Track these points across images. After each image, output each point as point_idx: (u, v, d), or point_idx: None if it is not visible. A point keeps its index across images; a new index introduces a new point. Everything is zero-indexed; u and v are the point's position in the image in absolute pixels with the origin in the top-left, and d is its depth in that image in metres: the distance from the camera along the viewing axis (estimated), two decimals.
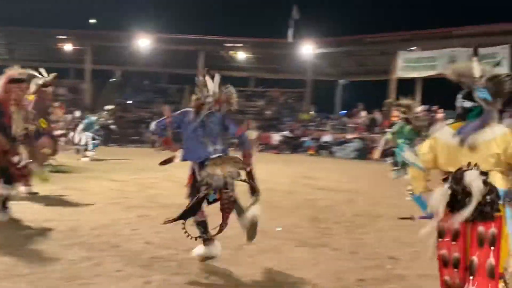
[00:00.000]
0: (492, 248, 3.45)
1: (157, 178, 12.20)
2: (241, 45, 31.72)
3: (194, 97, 5.47)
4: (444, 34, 25.58)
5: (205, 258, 5.26)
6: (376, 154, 22.33)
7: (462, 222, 3.46)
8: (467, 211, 3.38)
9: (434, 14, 34.90)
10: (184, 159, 5.38)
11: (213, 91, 5.35)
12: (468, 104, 3.66)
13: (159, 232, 6.57)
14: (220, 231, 5.15)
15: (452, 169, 3.56)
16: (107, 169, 13.72)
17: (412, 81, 28.39)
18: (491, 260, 3.44)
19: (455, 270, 3.55)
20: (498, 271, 3.47)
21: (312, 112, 31.17)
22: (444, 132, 3.70)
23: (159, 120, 5.56)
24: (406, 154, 3.85)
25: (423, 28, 27.23)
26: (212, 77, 5.47)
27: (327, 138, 25.55)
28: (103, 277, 4.71)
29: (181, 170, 14.10)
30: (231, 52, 33.01)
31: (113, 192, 9.85)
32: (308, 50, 29.46)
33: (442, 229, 3.59)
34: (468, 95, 3.68)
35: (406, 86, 28.14)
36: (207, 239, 5.26)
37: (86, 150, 16.72)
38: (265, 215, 7.86)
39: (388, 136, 11.18)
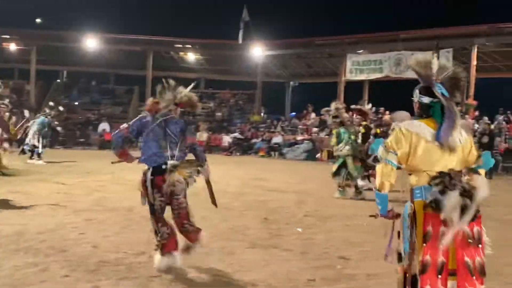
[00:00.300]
0: (480, 246, 3.53)
1: (104, 181, 12.00)
2: (190, 46, 31.52)
3: (152, 100, 5.38)
4: (390, 37, 26.14)
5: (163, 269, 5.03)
6: (324, 155, 22.78)
7: (447, 225, 3.46)
8: (469, 216, 3.41)
9: (381, 18, 35.69)
10: (141, 161, 5.24)
11: (174, 95, 5.27)
12: (426, 99, 3.71)
13: (106, 236, 6.46)
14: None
15: (427, 169, 3.59)
16: (53, 172, 13.37)
17: (360, 83, 28.93)
18: (479, 259, 3.51)
19: (439, 276, 3.52)
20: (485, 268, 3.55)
21: (262, 114, 31.31)
22: (423, 130, 3.66)
23: (116, 132, 5.38)
24: (380, 150, 3.69)
25: (370, 31, 27.80)
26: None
27: (277, 139, 25.69)
28: (50, 283, 4.57)
29: (128, 172, 13.95)
30: (180, 53, 32.77)
31: (59, 195, 9.59)
32: (258, 52, 29.56)
33: (427, 233, 3.55)
34: (425, 90, 3.72)
35: (354, 88, 28.69)
36: (163, 249, 5.11)
37: (39, 153, 16.26)
38: (216, 216, 7.89)
39: (332, 142, 11.34)
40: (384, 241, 6.60)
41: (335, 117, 11.04)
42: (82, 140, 27.34)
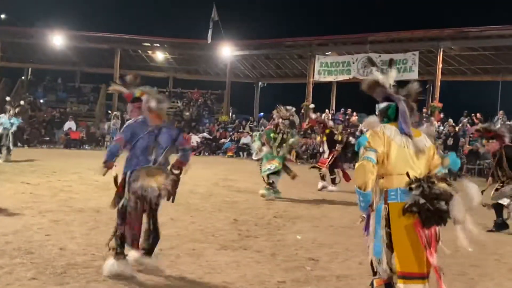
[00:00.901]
0: (439, 243, 3.75)
1: (70, 181, 11.80)
2: (159, 45, 31.27)
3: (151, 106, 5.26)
4: (358, 39, 26.47)
5: (114, 274, 4.88)
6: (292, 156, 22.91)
7: (427, 227, 3.65)
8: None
9: (350, 20, 36.03)
10: (125, 171, 5.13)
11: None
12: (383, 105, 4.02)
13: (73, 238, 6.35)
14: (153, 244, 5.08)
15: (399, 172, 3.76)
16: (17, 172, 13.09)
17: (327, 84, 29.17)
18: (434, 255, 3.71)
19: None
20: None
21: (230, 114, 31.29)
22: (394, 133, 3.84)
23: (113, 146, 5.19)
24: (363, 148, 3.81)
25: (339, 33, 28.06)
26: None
27: (246, 140, 25.66)
28: (16, 286, 4.47)
29: (94, 172, 13.76)
30: (149, 52, 32.49)
31: (24, 196, 9.38)
32: (227, 52, 29.51)
33: (426, 238, 3.68)
34: (382, 99, 4.05)
35: (322, 90, 28.93)
36: (119, 254, 5.00)
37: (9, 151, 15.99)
38: (185, 218, 7.85)
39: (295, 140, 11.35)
40: (352, 241, 6.72)
41: (286, 119, 11.05)
42: (47, 138, 26.85)
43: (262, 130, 10.98)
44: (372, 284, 4.00)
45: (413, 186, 3.64)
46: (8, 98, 19.17)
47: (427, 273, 3.69)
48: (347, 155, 13.44)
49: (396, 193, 3.73)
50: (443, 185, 3.68)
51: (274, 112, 11.36)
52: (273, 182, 10.68)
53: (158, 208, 5.07)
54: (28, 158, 16.54)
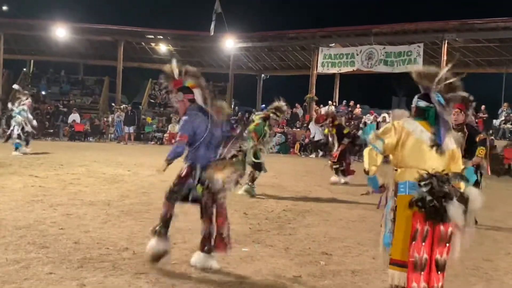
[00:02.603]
0: (447, 245, 3.78)
1: (78, 174, 11.82)
2: (162, 37, 31.18)
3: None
4: (362, 31, 26.36)
5: (157, 254, 5.05)
6: (296, 148, 22.94)
7: (430, 223, 3.72)
8: (470, 219, 3.80)
9: (353, 12, 35.94)
10: (191, 163, 5.09)
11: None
12: (422, 103, 4.02)
13: (87, 232, 6.37)
14: (223, 241, 5.13)
15: (413, 165, 3.85)
16: (25, 164, 13.09)
17: (331, 76, 29.11)
18: (445, 256, 3.78)
19: (422, 273, 3.72)
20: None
21: (233, 106, 31.26)
22: (416, 128, 3.94)
23: (178, 146, 4.99)
24: (370, 136, 3.98)
25: (343, 25, 27.97)
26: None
27: None
28: (34, 281, 4.48)
29: (101, 165, 13.81)
30: (152, 44, 32.41)
31: (34, 189, 9.39)
32: (230, 44, 29.44)
33: (416, 231, 3.75)
34: (423, 95, 4.04)
35: (325, 82, 28.90)
36: (160, 234, 5.10)
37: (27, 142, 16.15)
38: (195, 211, 7.84)
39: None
40: (363, 236, 6.75)
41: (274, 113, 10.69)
42: (51, 131, 26.88)
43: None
44: None
45: (422, 183, 3.72)
46: (16, 87, 19.19)
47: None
48: (355, 147, 13.44)
49: (405, 186, 3.85)
50: (457, 188, 3.80)
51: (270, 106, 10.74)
52: (255, 179, 10.28)
53: (223, 207, 5.16)
54: (34, 151, 16.53)
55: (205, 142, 5.04)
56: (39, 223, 6.65)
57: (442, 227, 3.74)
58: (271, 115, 10.44)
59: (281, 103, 10.66)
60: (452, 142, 3.97)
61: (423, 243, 3.72)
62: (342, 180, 12.68)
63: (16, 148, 15.91)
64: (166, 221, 5.17)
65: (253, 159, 9.97)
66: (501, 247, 6.68)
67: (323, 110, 26.45)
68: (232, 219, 7.60)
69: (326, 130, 13.56)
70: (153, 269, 4.97)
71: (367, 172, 4.03)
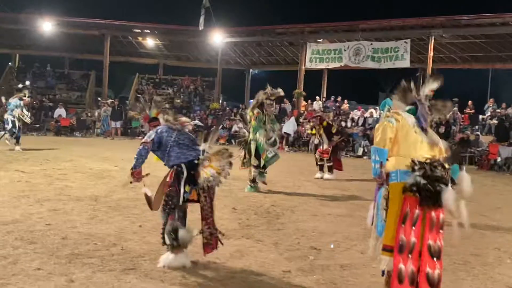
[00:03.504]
0: (441, 232, 3.86)
1: (64, 169, 11.73)
2: (149, 31, 30.98)
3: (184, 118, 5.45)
4: (350, 27, 26.41)
5: (174, 267, 4.92)
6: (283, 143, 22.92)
7: (421, 208, 3.80)
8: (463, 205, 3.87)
9: (341, 8, 35.98)
10: (172, 165, 5.10)
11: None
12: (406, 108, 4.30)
13: (74, 227, 6.33)
14: (214, 238, 5.10)
15: (406, 153, 3.99)
16: (11, 159, 12.98)
17: (319, 72, 29.15)
18: (439, 243, 3.84)
19: (410, 256, 3.79)
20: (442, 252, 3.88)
21: (221, 101, 31.21)
22: (410, 119, 4.14)
23: (142, 148, 5.08)
24: (386, 111, 4.34)
25: (330, 20, 27.98)
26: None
27: (237, 127, 25.61)
28: (22, 276, 4.44)
29: (88, 160, 13.71)
30: (139, 38, 32.21)
31: (20, 184, 9.31)
32: (218, 38, 29.34)
33: (406, 215, 3.84)
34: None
35: (313, 77, 28.93)
36: (176, 247, 4.97)
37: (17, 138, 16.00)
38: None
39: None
40: (351, 230, 6.78)
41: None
42: (37, 125, 26.62)
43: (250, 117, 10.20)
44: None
45: (416, 167, 3.83)
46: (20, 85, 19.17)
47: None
48: (343, 143, 13.50)
49: (396, 174, 3.96)
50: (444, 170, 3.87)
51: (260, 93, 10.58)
52: (254, 178, 10.25)
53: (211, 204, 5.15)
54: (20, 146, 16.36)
55: (175, 143, 5.12)
56: (26, 219, 6.60)
57: (433, 213, 3.82)
58: (264, 100, 10.32)
59: (269, 88, 10.52)
60: (439, 139, 4.14)
61: (413, 227, 3.79)
62: (326, 176, 12.70)
63: (17, 140, 15.90)
64: (171, 232, 5.00)
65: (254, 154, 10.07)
66: (489, 242, 6.73)
67: (315, 105, 26.47)
68: (221, 214, 7.63)
69: (313, 131, 13.50)
70: (142, 265, 4.95)
71: (380, 144, 4.07)
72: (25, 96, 16.56)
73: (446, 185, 3.77)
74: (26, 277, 4.43)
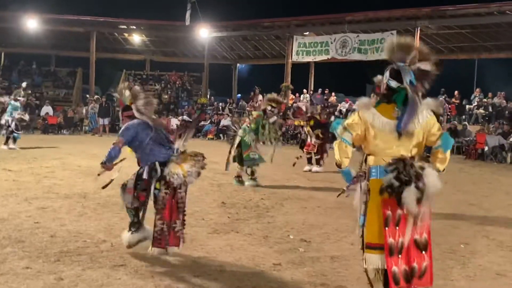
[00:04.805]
0: (423, 224, 3.78)
1: (52, 167, 11.66)
2: (135, 27, 30.81)
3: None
4: (336, 19, 26.40)
5: (136, 243, 5.16)
6: None
7: (402, 206, 3.70)
8: (425, 202, 3.68)
9: (327, 0, 35.93)
10: (146, 163, 5.17)
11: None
12: (394, 83, 3.87)
13: (63, 225, 6.29)
14: (175, 235, 5.12)
15: (379, 153, 3.86)
16: None
17: (306, 65, 29.15)
18: (425, 235, 3.80)
19: (399, 256, 3.74)
20: (429, 243, 3.82)
21: (209, 96, 31.13)
22: (375, 119, 3.87)
23: (113, 148, 5.14)
24: (339, 129, 3.95)
25: (317, 13, 27.96)
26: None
27: (226, 122, 25.58)
28: (10, 276, 4.40)
29: (76, 158, 13.63)
30: (125, 34, 32.02)
31: (8, 183, 9.23)
32: (204, 33, 29.24)
33: (388, 217, 3.76)
34: (395, 74, 3.88)
35: (300, 70, 28.92)
36: (136, 224, 5.19)
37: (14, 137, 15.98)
38: None
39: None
40: (340, 222, 6.80)
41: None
42: (23, 124, 26.34)
43: (246, 116, 10.32)
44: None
45: (388, 168, 3.72)
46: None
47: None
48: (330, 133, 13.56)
49: (376, 170, 3.87)
50: (420, 166, 3.75)
51: (265, 99, 10.67)
52: (253, 172, 10.30)
53: (183, 201, 5.19)
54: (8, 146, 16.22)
55: (152, 142, 5.16)
56: (14, 217, 6.54)
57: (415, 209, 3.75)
58: (267, 108, 10.40)
59: (273, 95, 10.82)
60: (423, 115, 3.82)
61: (397, 227, 3.74)
62: (314, 168, 12.77)
63: (15, 140, 15.93)
64: (133, 209, 5.21)
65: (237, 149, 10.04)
66: (477, 230, 6.78)
67: (302, 104, 26.38)
68: (210, 208, 7.65)
69: (301, 122, 13.57)
70: (131, 261, 4.93)
71: (339, 165, 4.04)
72: (19, 97, 16.54)
73: (422, 192, 3.66)
74: (14, 276, 4.40)
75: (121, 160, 5.30)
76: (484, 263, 5.29)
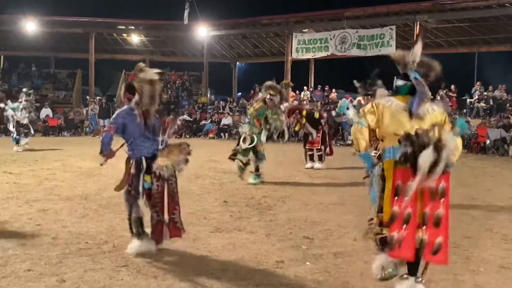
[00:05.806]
0: (442, 200, 3.88)
1: (53, 169, 11.65)
2: (134, 27, 30.77)
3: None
4: (335, 15, 26.33)
5: (141, 254, 5.11)
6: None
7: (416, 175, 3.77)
8: (440, 168, 3.73)
9: None
10: (136, 157, 5.21)
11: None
12: (400, 82, 4.23)
13: (65, 227, 6.27)
14: (176, 227, 5.22)
15: (394, 130, 4.03)
16: None
17: (305, 62, 29.09)
18: (440, 210, 3.87)
19: (405, 226, 3.83)
20: (446, 221, 3.89)
21: (209, 95, 31.09)
22: (390, 102, 4.16)
23: (105, 136, 5.23)
24: (355, 116, 4.28)
25: (315, 10, 27.89)
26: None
27: (226, 120, 25.58)
28: (12, 278, 4.39)
29: (76, 159, 13.62)
30: (124, 35, 31.99)
31: (9, 185, 9.23)
32: (203, 32, 29.19)
33: (398, 187, 3.87)
34: (402, 75, 4.24)
35: (300, 67, 28.86)
36: (141, 235, 5.21)
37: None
38: None
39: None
40: (343, 218, 6.78)
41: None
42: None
43: (247, 109, 10.23)
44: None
45: (403, 140, 3.85)
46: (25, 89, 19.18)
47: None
48: (332, 129, 13.50)
49: (389, 151, 4.03)
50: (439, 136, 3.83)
51: (263, 87, 10.49)
52: (257, 168, 10.24)
53: (175, 191, 5.24)
54: (5, 147, 16.22)
55: (140, 135, 5.18)
56: (16, 220, 6.54)
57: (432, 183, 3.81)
58: (266, 97, 10.27)
59: (270, 82, 10.55)
60: (433, 108, 4.12)
61: (406, 198, 3.81)
62: (316, 165, 12.69)
63: (17, 142, 16.05)
64: (137, 221, 5.24)
65: (244, 145, 9.94)
66: (480, 224, 6.76)
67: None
68: (212, 207, 7.64)
69: (297, 127, 13.40)
70: (133, 261, 4.91)
71: (356, 149, 4.20)
72: (25, 100, 16.64)
73: (439, 152, 3.74)
74: (16, 279, 4.39)
75: (121, 145, 5.37)
76: (487, 257, 5.27)
